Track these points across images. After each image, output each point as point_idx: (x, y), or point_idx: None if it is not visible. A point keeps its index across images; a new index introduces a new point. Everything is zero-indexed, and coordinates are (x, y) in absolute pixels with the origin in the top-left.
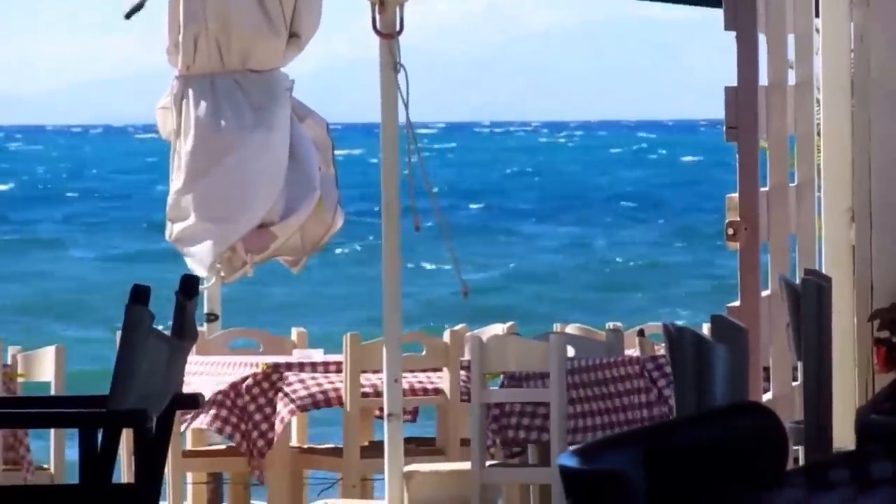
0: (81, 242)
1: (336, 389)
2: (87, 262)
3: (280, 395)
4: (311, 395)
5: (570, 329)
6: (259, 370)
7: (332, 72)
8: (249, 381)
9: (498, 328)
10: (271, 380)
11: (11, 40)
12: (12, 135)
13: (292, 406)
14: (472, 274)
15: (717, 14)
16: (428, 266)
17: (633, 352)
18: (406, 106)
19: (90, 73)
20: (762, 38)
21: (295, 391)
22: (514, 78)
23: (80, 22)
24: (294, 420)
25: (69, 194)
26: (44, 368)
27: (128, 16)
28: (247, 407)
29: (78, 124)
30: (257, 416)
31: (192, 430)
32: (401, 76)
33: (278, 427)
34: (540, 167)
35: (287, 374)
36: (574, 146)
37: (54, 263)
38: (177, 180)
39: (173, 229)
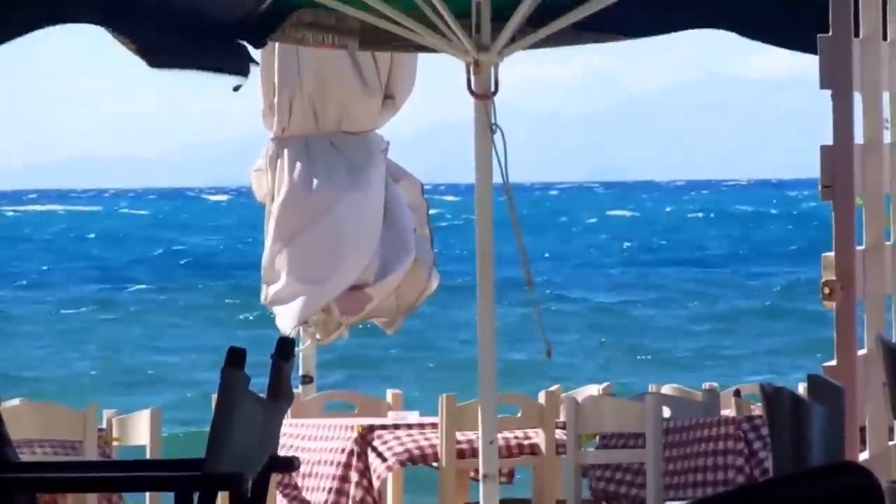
0: None
1: (432, 446)
2: None
3: (375, 453)
4: (408, 451)
5: (666, 389)
6: (355, 433)
7: (428, 133)
8: (348, 446)
9: (593, 388)
10: (367, 440)
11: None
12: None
13: (389, 462)
14: None
15: (813, 72)
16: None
17: (729, 412)
18: (502, 166)
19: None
20: (857, 97)
21: (391, 448)
22: (615, 139)
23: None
24: (390, 483)
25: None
26: (139, 432)
27: (236, 88)
28: (348, 475)
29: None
30: (355, 478)
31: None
32: (497, 137)
33: (376, 483)
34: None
35: (382, 432)
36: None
37: None
38: (271, 242)
39: (268, 292)
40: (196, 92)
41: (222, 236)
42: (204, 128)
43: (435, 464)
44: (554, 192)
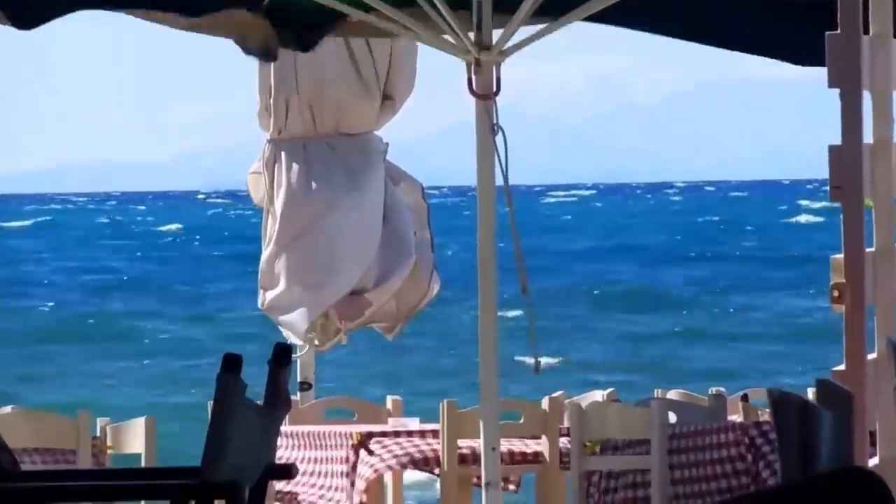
0: None
1: (434, 451)
2: None
3: (375, 456)
4: (409, 454)
5: (672, 394)
6: (354, 440)
7: (428, 134)
8: (348, 454)
9: (598, 394)
10: (367, 446)
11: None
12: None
13: (388, 463)
14: None
15: (821, 73)
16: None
17: (736, 417)
18: (503, 168)
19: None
20: (866, 96)
21: (391, 451)
22: (618, 143)
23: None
24: (390, 491)
25: None
26: (133, 440)
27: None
28: (347, 483)
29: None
30: (356, 486)
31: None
32: (499, 138)
33: (371, 475)
34: None
35: (382, 438)
36: None
37: None
38: (268, 247)
39: (266, 297)
40: (190, 99)
41: None
42: (201, 131)
43: (437, 470)
44: (584, 194)
